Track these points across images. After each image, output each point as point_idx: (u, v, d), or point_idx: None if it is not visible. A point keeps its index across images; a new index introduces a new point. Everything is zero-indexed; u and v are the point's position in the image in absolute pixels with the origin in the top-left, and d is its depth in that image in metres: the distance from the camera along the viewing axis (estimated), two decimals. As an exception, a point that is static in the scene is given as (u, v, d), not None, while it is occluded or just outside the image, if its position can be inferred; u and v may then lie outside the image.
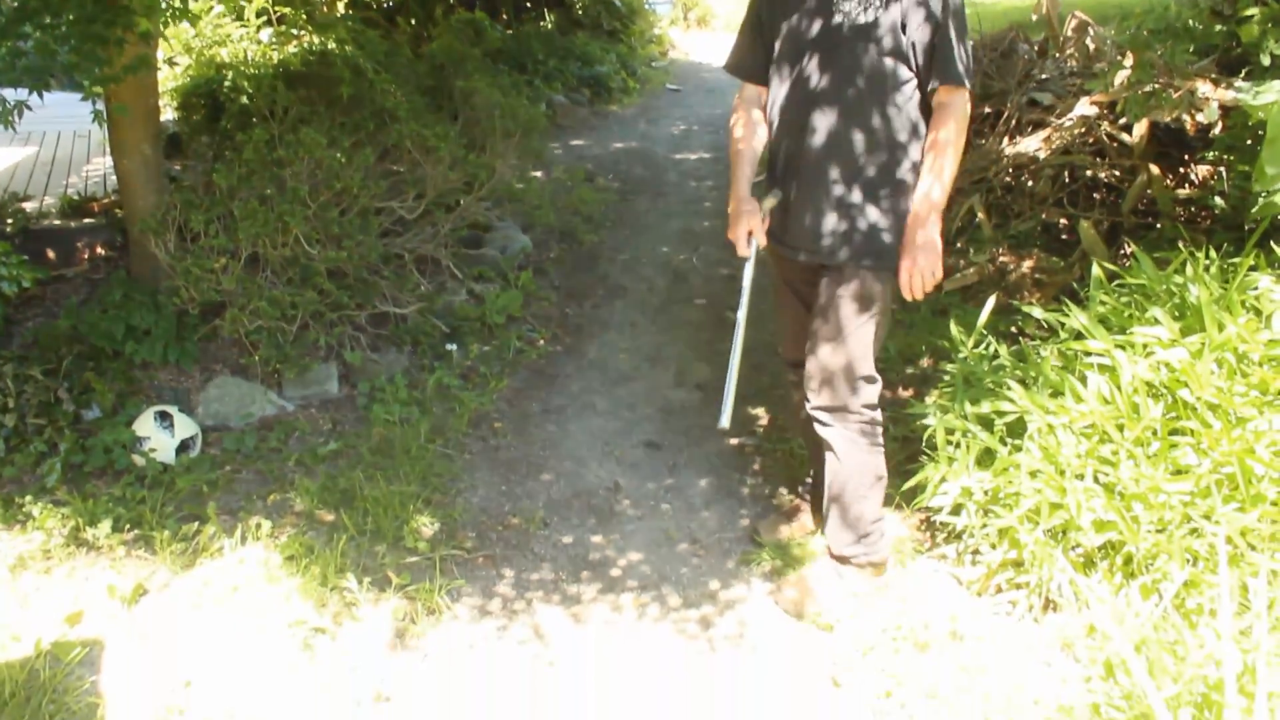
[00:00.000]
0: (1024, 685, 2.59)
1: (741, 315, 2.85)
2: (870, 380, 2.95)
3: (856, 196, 2.81)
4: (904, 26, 2.69)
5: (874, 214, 2.82)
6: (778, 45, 2.92)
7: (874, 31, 2.71)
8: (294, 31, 6.57)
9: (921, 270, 2.70)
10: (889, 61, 2.72)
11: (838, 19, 2.76)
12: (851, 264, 2.85)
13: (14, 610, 3.07)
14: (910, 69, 2.73)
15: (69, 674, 2.80)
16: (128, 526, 3.48)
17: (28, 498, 3.54)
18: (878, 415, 3.01)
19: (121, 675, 2.84)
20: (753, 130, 3.01)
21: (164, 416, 3.90)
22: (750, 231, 2.87)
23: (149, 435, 3.84)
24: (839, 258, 2.86)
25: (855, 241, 2.84)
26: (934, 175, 2.73)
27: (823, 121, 2.80)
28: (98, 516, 3.45)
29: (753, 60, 3.03)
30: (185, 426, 3.93)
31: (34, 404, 3.93)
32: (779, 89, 2.92)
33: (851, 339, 2.88)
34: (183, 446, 3.90)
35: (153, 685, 2.79)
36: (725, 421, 2.80)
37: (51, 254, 4.98)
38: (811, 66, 2.82)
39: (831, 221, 2.84)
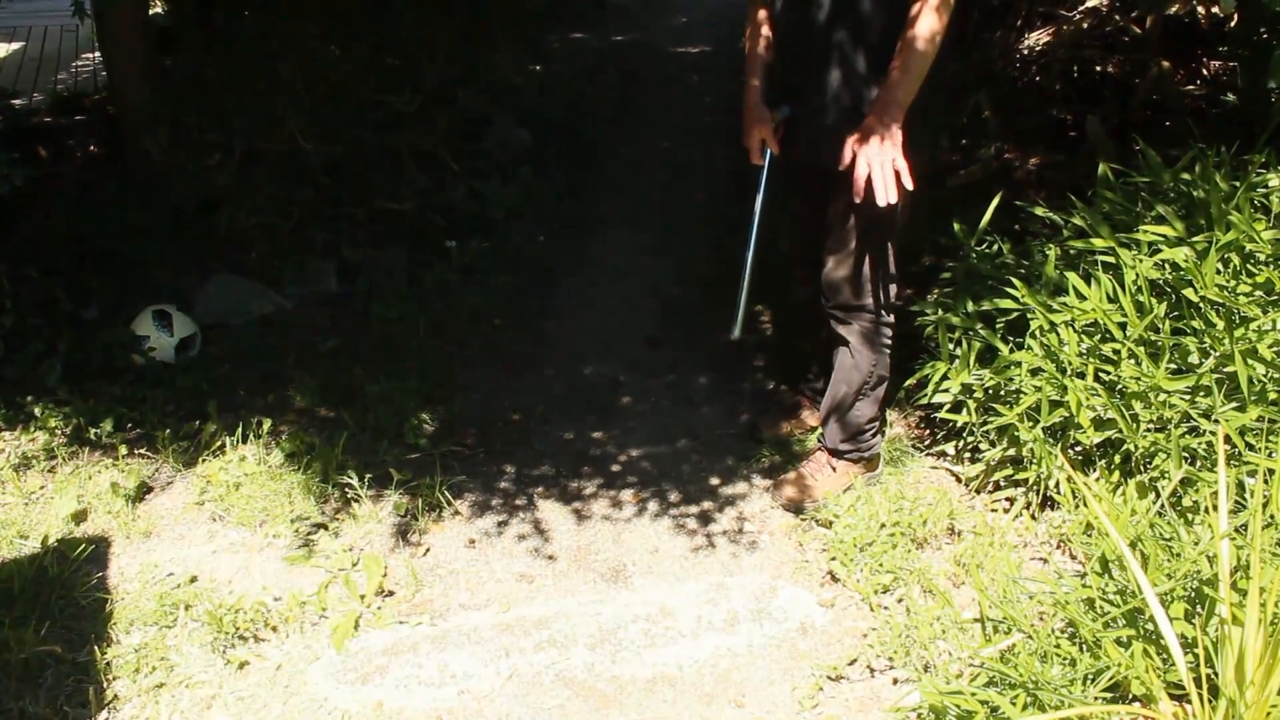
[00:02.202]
0: (1019, 580, 2.62)
1: (754, 225, 2.83)
2: (887, 279, 2.93)
3: (864, 105, 2.71)
4: None
5: None
6: None
7: None
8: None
9: (881, 173, 2.54)
10: None
11: None
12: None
13: (20, 509, 3.10)
14: None
15: (76, 570, 2.83)
16: (130, 425, 3.49)
17: (29, 398, 3.55)
18: (890, 316, 2.99)
19: (127, 571, 2.88)
20: (760, 32, 2.94)
21: (162, 315, 3.89)
22: (763, 140, 2.85)
23: (148, 334, 3.83)
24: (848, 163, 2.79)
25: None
26: (895, 77, 2.58)
27: (823, 29, 2.70)
28: (100, 416, 3.46)
29: None
30: (184, 325, 3.92)
31: (32, 304, 3.92)
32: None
33: (866, 240, 2.84)
34: (182, 345, 3.89)
35: (158, 581, 2.83)
36: (737, 332, 2.83)
37: (43, 152, 4.92)
38: None
39: (841, 131, 2.72)
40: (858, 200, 2.61)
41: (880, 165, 2.55)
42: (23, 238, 4.29)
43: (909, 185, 2.58)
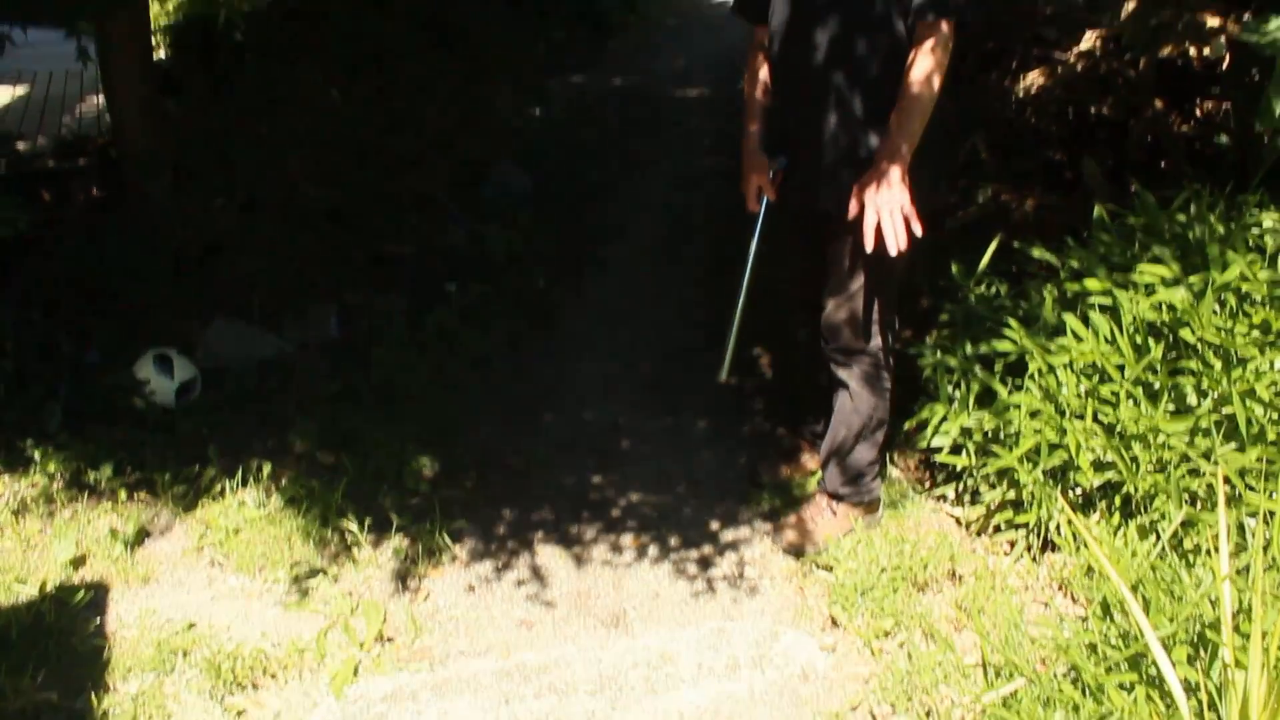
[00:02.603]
0: (1021, 624, 2.61)
1: (748, 270, 2.85)
2: (887, 322, 2.94)
3: (861, 148, 2.73)
4: None
5: None
6: None
7: None
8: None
9: (891, 220, 2.52)
10: (888, 12, 2.62)
11: None
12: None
13: (18, 554, 3.09)
14: (906, 15, 2.62)
15: (74, 616, 2.82)
16: (129, 470, 3.49)
17: (29, 441, 3.55)
18: (891, 360, 3.00)
19: (125, 618, 2.87)
20: (760, 77, 2.98)
21: (163, 360, 3.89)
22: (759, 187, 2.88)
23: (149, 379, 3.84)
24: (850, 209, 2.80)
25: None
26: (898, 122, 2.58)
27: (819, 72, 2.72)
28: (99, 460, 3.46)
29: (756, 1, 2.93)
30: (185, 369, 3.93)
31: (33, 348, 3.93)
32: (774, 42, 2.85)
33: (868, 283, 2.85)
34: (183, 389, 3.89)
35: (156, 627, 2.82)
36: (725, 374, 2.85)
37: (47, 195, 4.95)
38: (805, 20, 2.73)
39: (839, 174, 2.75)
40: (869, 249, 2.58)
41: (889, 212, 2.53)
42: (25, 281, 4.31)
43: (918, 231, 2.56)
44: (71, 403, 3.76)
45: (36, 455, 3.48)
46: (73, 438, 3.59)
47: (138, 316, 4.27)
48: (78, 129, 6.30)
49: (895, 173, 2.54)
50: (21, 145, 5.80)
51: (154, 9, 6.22)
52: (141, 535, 3.19)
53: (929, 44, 2.56)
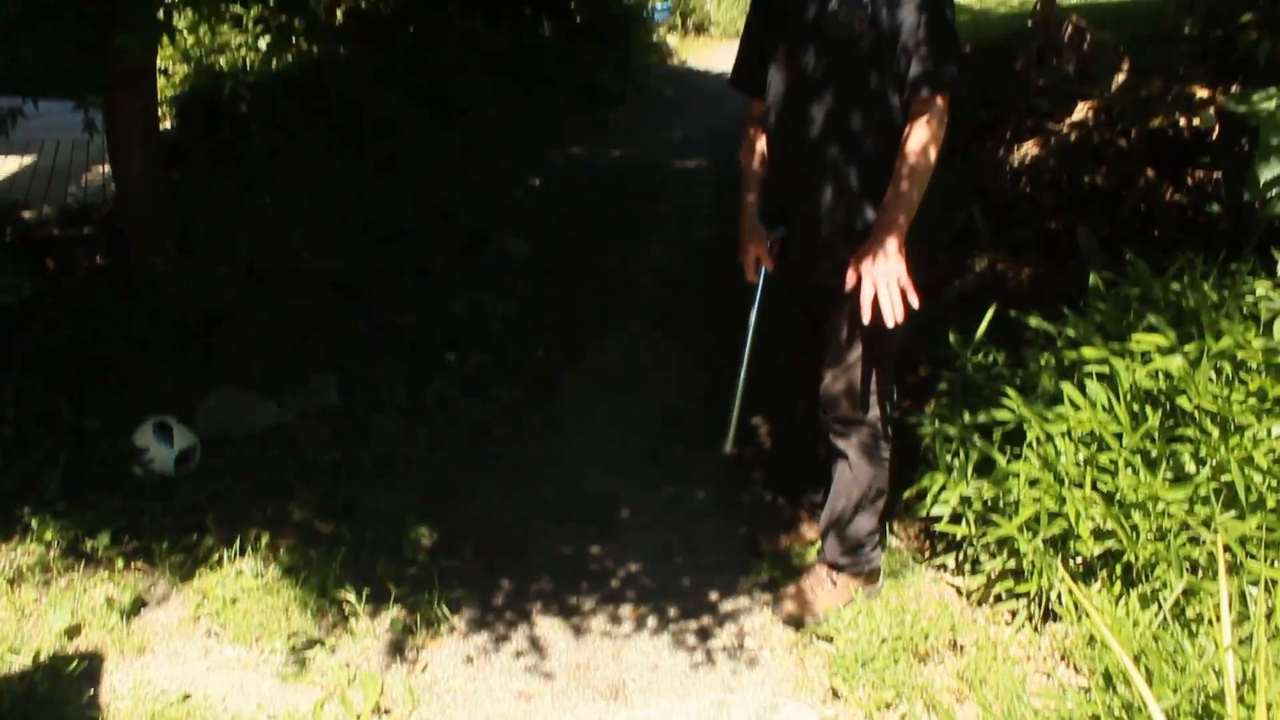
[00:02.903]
0: (1024, 695, 2.59)
1: (748, 341, 2.87)
2: (886, 393, 2.95)
3: (857, 221, 2.76)
4: (894, 42, 2.60)
5: None
6: (770, 68, 2.88)
7: (864, 55, 2.64)
8: (293, 40, 6.58)
9: (888, 292, 2.53)
10: (883, 87, 2.65)
11: (823, 42, 2.69)
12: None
13: (13, 623, 3.07)
14: (895, 70, 2.64)
15: (68, 687, 2.79)
16: (127, 538, 3.47)
17: (26, 509, 3.54)
18: (890, 430, 3.01)
19: (120, 689, 2.84)
20: (756, 149, 3.02)
21: (163, 427, 3.90)
22: (758, 258, 2.91)
23: (148, 446, 3.84)
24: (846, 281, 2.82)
25: None
26: (895, 194, 2.59)
27: (815, 145, 2.76)
28: (97, 528, 3.45)
29: (753, 75, 2.98)
30: (184, 437, 3.93)
31: (34, 415, 3.93)
32: (771, 115, 2.90)
33: (866, 354, 2.87)
34: (182, 457, 3.89)
35: (150, 699, 2.79)
36: (729, 446, 2.86)
37: (51, 263, 4.98)
38: (801, 94, 2.77)
39: (835, 247, 2.78)
40: (865, 321, 2.59)
41: (886, 284, 2.53)
42: (27, 348, 4.33)
43: (915, 304, 2.57)
44: (70, 470, 3.76)
45: (34, 523, 3.47)
46: (71, 505, 3.58)
47: (139, 384, 4.28)
48: (83, 198, 6.36)
49: (892, 245, 2.55)
50: (27, 213, 5.86)
51: (160, 81, 6.33)
52: (138, 604, 3.17)
53: (924, 118, 2.59)
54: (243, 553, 3.37)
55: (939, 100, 2.60)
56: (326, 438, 4.19)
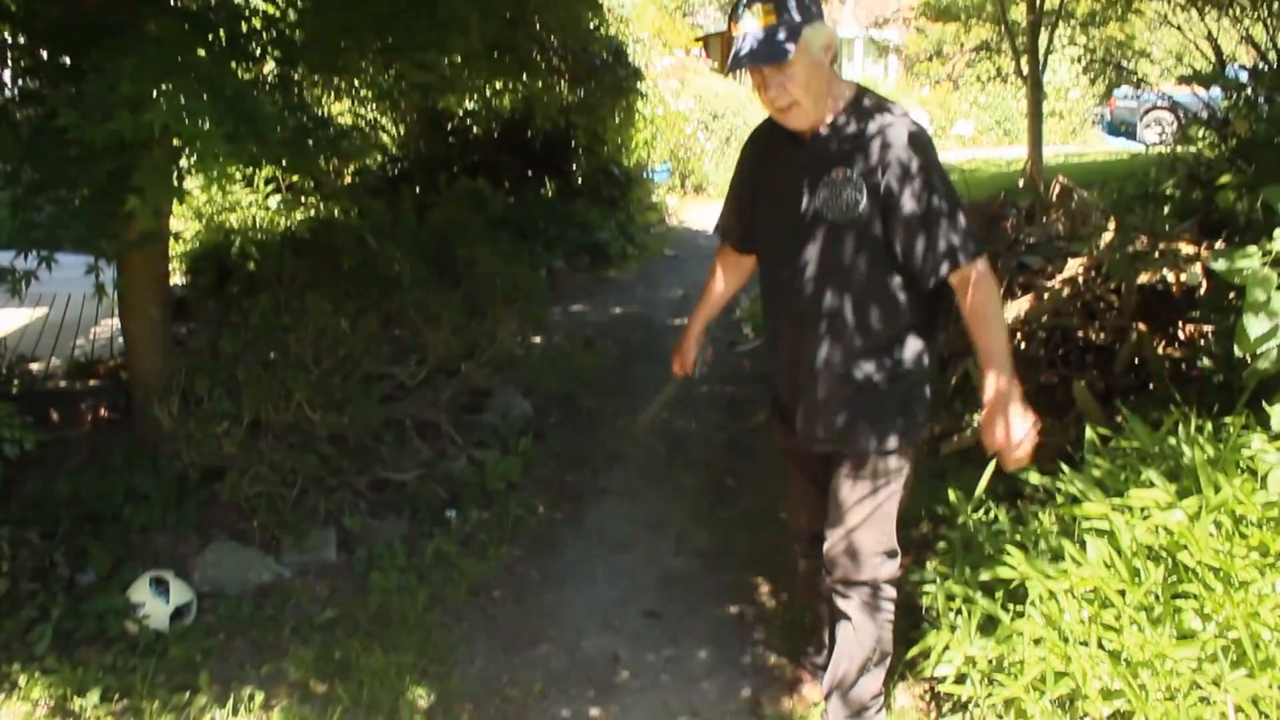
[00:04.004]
0: None
1: (651, 411, 3.10)
2: (891, 554, 2.95)
3: (857, 387, 2.79)
4: (882, 209, 2.65)
5: (877, 399, 2.79)
6: (759, 229, 2.98)
7: (848, 218, 2.68)
8: (302, 199, 6.77)
9: (1018, 446, 2.69)
10: (871, 249, 2.69)
11: (808, 205, 2.74)
12: (863, 451, 2.84)
13: (-4, 787, 2.99)
14: (894, 251, 2.67)
15: None
16: (117, 696, 3.41)
17: (15, 665, 3.48)
18: (893, 591, 2.99)
19: None
20: (718, 278, 3.29)
21: (159, 583, 3.87)
22: (682, 367, 3.44)
23: (143, 601, 3.80)
24: (851, 446, 2.86)
25: (863, 429, 2.82)
26: (989, 360, 2.68)
27: (812, 316, 2.80)
28: (86, 686, 3.39)
29: (736, 227, 3.13)
30: (180, 593, 3.89)
31: (28, 568, 3.90)
32: (763, 276, 2.99)
33: (871, 517, 2.87)
34: (177, 613, 3.85)
35: None
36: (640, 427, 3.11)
37: (55, 415, 5.02)
38: (791, 259, 2.81)
39: (837, 414, 2.82)
40: (1008, 469, 2.78)
41: (1030, 443, 2.69)
42: (25, 500, 4.32)
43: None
44: (62, 625, 3.72)
45: (22, 680, 3.41)
46: (61, 661, 3.53)
47: (136, 537, 4.26)
48: (91, 351, 6.45)
49: (1015, 395, 2.66)
50: (35, 366, 5.93)
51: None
52: (125, 767, 3.10)
53: (974, 282, 2.64)
54: (235, 713, 3.31)
55: (979, 263, 2.66)
56: (324, 594, 4.16)
